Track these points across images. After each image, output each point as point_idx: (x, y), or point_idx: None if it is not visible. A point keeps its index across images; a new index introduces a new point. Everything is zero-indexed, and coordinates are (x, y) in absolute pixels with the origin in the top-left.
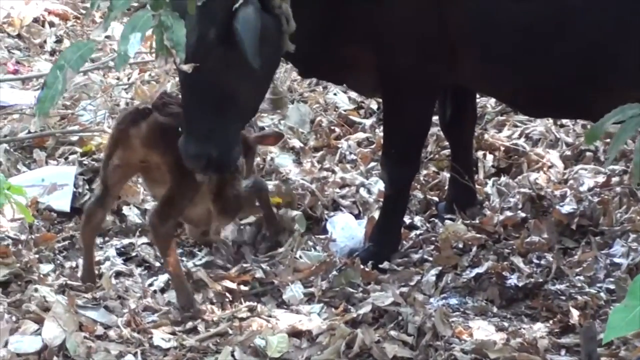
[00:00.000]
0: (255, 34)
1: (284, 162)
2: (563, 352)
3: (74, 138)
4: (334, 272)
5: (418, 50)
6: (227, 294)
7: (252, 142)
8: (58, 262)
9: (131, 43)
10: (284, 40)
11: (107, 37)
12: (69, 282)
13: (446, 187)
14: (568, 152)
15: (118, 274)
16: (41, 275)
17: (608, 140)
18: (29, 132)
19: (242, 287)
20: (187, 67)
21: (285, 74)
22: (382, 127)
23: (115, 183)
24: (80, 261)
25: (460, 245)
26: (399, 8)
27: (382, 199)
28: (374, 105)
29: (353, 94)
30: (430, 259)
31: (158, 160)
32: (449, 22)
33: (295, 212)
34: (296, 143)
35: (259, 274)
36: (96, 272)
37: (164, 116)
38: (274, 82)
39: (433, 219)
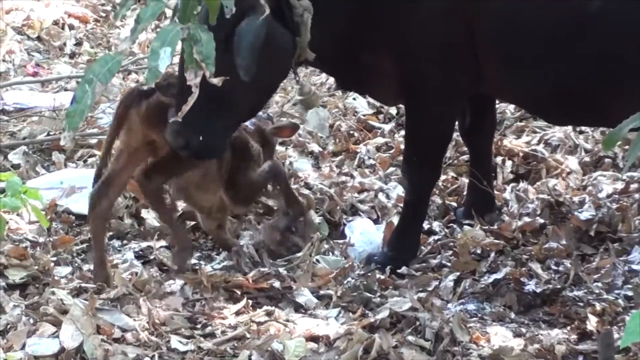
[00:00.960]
0: (253, 47)
1: (303, 167)
2: (580, 358)
3: (93, 141)
4: (352, 278)
5: (442, 59)
6: (245, 299)
7: (269, 134)
8: (76, 264)
9: (162, 58)
10: (303, 49)
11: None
12: (85, 285)
13: (465, 193)
14: (587, 159)
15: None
16: (59, 278)
17: (627, 147)
18: (48, 134)
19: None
20: (217, 81)
21: (305, 79)
22: (401, 132)
23: (121, 169)
24: None
25: (479, 251)
26: (424, 16)
27: (400, 204)
28: (393, 111)
29: (372, 99)
30: (449, 264)
31: (158, 138)
32: (474, 29)
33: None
34: (315, 148)
35: (276, 283)
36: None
37: (167, 96)
38: (300, 83)
39: (451, 224)
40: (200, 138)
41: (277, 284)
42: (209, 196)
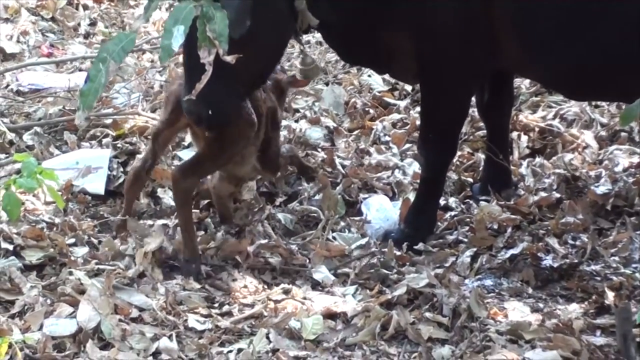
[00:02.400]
0: (239, 4)
1: (318, 138)
2: (598, 332)
3: (108, 121)
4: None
5: (461, 35)
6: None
7: (285, 83)
8: (92, 245)
9: (175, 36)
10: (304, 14)
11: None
12: (102, 266)
13: (481, 169)
14: (603, 133)
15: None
16: (75, 259)
17: None
18: (63, 114)
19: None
20: (230, 58)
21: (320, 56)
22: (417, 109)
23: (162, 145)
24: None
25: (495, 227)
26: None
27: (416, 181)
28: (408, 87)
29: (387, 76)
30: (465, 240)
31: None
32: (493, 5)
33: (334, 193)
34: (330, 123)
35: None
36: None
37: None
38: (304, 53)
39: (468, 200)
40: (210, 112)
41: (293, 262)
42: (244, 167)
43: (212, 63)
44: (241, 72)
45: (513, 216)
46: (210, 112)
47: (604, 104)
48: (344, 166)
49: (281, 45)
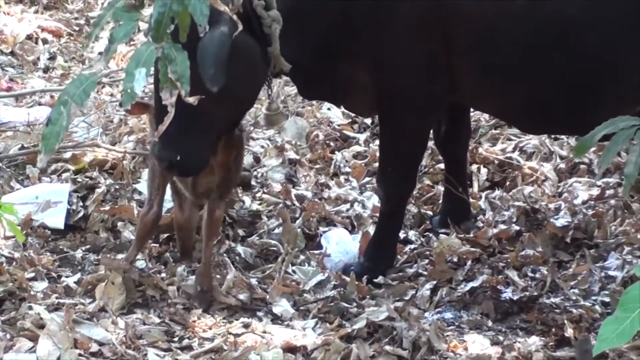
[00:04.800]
0: (216, 57)
1: (278, 177)
2: None
3: (67, 155)
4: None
5: (418, 69)
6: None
7: None
8: (52, 279)
9: (137, 79)
10: (277, 59)
11: (100, 53)
12: (62, 300)
13: (440, 201)
14: (562, 165)
15: None
16: (35, 293)
17: (601, 153)
18: (22, 147)
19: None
20: (192, 100)
21: (279, 90)
22: (376, 142)
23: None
24: (73, 278)
25: (455, 259)
26: (400, 26)
27: (376, 214)
28: (367, 120)
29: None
30: (425, 273)
31: None
32: (449, 40)
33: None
34: (292, 155)
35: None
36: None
37: None
38: (269, 98)
39: (427, 233)
40: (179, 157)
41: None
42: (213, 177)
43: (187, 111)
44: (217, 120)
45: (473, 249)
46: (182, 160)
47: (563, 136)
48: (303, 199)
49: (256, 92)
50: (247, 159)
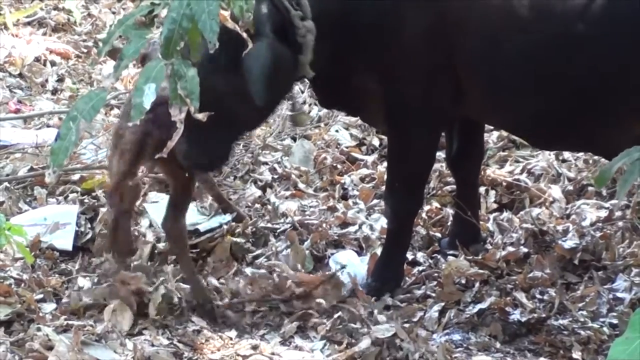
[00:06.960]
0: (263, 72)
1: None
2: None
3: (75, 177)
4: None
5: (424, 81)
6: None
7: None
8: (61, 300)
9: (146, 94)
10: (304, 68)
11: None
12: (71, 322)
13: (449, 223)
14: (570, 187)
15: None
16: (43, 314)
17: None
18: (31, 169)
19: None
20: (201, 116)
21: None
22: (384, 164)
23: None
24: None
25: (463, 281)
26: (407, 39)
27: (384, 236)
28: (375, 142)
29: (355, 131)
30: (433, 294)
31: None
32: (455, 53)
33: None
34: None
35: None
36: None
37: None
38: (294, 99)
39: (436, 255)
40: (207, 160)
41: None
42: None
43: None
44: (243, 125)
45: (481, 271)
46: (208, 161)
47: (571, 158)
48: (311, 223)
49: (284, 97)
50: (252, 190)
